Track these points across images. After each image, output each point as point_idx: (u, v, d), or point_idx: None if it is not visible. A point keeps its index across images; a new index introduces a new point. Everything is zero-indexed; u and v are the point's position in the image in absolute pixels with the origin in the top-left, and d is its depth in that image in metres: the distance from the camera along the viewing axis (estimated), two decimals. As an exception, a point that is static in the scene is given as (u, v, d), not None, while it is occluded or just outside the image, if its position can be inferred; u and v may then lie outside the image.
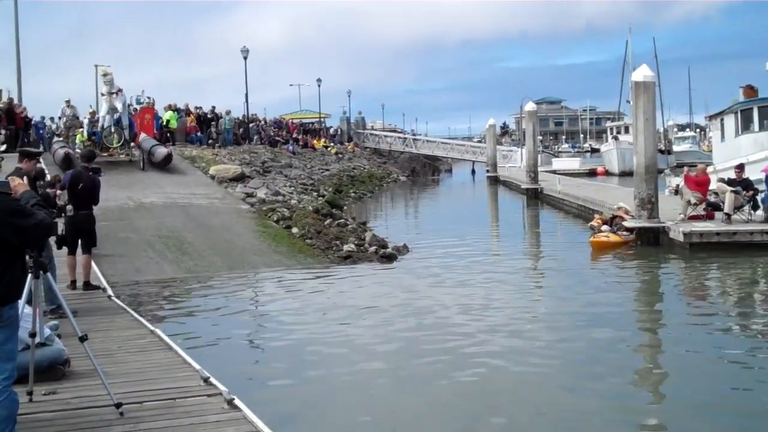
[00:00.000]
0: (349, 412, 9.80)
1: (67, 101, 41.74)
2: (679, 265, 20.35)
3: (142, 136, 36.94)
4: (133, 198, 27.79)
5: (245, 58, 53.84)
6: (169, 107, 46.90)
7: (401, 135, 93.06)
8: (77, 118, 41.44)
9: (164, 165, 34.20)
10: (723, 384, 10.56)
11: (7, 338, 6.15)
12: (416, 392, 10.49)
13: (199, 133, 47.38)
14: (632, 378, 11.08)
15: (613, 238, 23.40)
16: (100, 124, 33.97)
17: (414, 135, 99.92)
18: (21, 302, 6.59)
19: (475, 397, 10.25)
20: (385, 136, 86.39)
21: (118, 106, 33.46)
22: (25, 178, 9.87)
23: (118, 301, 13.84)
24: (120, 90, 34.00)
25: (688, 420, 9.15)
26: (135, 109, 49.20)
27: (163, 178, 32.86)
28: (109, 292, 14.53)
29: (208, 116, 50.31)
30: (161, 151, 34.99)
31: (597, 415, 9.36)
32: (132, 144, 34.85)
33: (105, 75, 33.47)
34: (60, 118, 41.85)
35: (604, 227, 24.36)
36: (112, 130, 33.67)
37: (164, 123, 45.55)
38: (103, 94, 33.74)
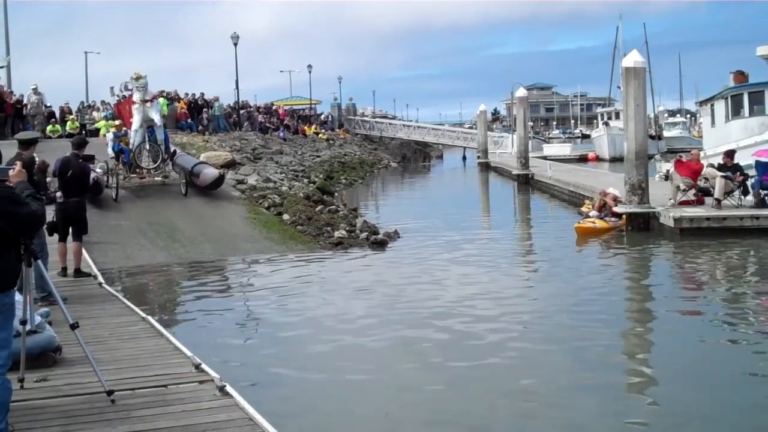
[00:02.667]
0: (341, 398, 9.81)
1: (34, 87, 41.43)
2: (670, 250, 20.41)
3: (179, 151, 30.68)
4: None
5: (235, 44, 53.61)
6: (160, 94, 46.72)
7: (393, 121, 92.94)
8: (44, 105, 41.20)
9: (213, 189, 26.91)
10: (712, 369, 10.61)
11: (1, 326, 6.16)
12: (408, 378, 10.50)
13: (189, 120, 47.22)
14: (620, 364, 11.11)
15: (600, 224, 23.43)
16: (132, 141, 26.96)
17: (404, 121, 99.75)
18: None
19: (461, 382, 10.27)
20: (376, 122, 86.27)
21: (155, 117, 27.04)
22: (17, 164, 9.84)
23: (110, 288, 13.82)
24: (155, 97, 28.70)
25: (679, 406, 9.17)
26: (123, 97, 49.15)
27: (208, 206, 25.93)
28: (100, 279, 14.51)
29: (198, 102, 50.17)
30: (209, 171, 27.24)
31: (585, 401, 9.39)
32: (169, 162, 28.00)
33: (138, 79, 26.94)
34: (24, 105, 41.42)
35: (593, 213, 24.38)
36: (147, 147, 26.94)
37: (154, 110, 45.33)
38: (135, 103, 26.85)
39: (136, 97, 26.73)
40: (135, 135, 26.87)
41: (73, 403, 7.55)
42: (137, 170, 26.94)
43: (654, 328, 13.19)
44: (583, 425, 8.67)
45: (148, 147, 26.91)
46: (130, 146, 26.86)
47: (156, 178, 27.34)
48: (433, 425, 8.87)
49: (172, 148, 29.09)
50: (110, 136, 28.23)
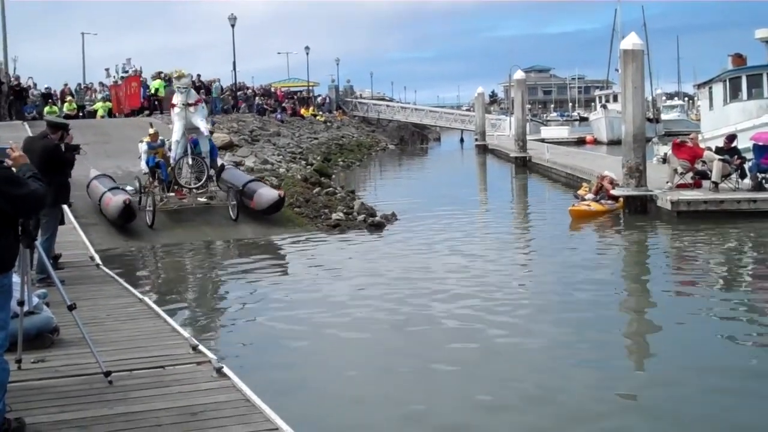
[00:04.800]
0: (338, 380, 9.84)
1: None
2: (666, 233, 20.46)
3: (228, 166, 25.59)
4: (121, 167, 27.65)
5: (233, 26, 53.59)
6: (158, 75, 46.66)
7: (390, 103, 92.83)
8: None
9: (271, 213, 21.90)
10: (706, 351, 10.66)
11: None
12: (404, 362, 10.52)
13: (187, 101, 47.09)
14: (615, 345, 11.14)
15: (595, 207, 23.44)
16: (172, 153, 22.10)
17: (401, 104, 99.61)
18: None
19: (455, 363, 10.30)
20: (374, 105, 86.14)
21: (200, 124, 21.97)
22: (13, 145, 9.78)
23: (107, 270, 13.81)
24: (200, 100, 23.67)
25: (670, 389, 9.20)
26: (121, 78, 49.11)
27: (259, 228, 21.59)
28: (97, 260, 14.50)
29: (196, 84, 50.08)
30: (265, 192, 22.24)
31: (579, 383, 9.41)
32: (214, 179, 22.81)
33: (179, 77, 22.61)
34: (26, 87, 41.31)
35: (588, 196, 24.37)
36: (189, 161, 21.95)
37: (152, 92, 45.35)
38: (174, 106, 22.38)
39: (177, 99, 22.34)
40: (176, 146, 22.03)
41: (71, 384, 7.56)
42: (176, 188, 22.13)
43: (649, 310, 13.25)
44: (577, 404, 8.69)
45: (190, 161, 22.00)
46: (170, 159, 22.11)
47: (199, 199, 22.29)
48: (432, 404, 8.89)
49: (219, 161, 24.50)
50: (143, 147, 22.71)
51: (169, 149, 22.20)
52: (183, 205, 21.92)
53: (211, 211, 22.04)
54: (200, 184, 21.98)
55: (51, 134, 12.40)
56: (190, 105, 21.95)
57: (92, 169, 23.60)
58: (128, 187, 21.78)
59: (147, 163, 22.26)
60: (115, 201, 19.86)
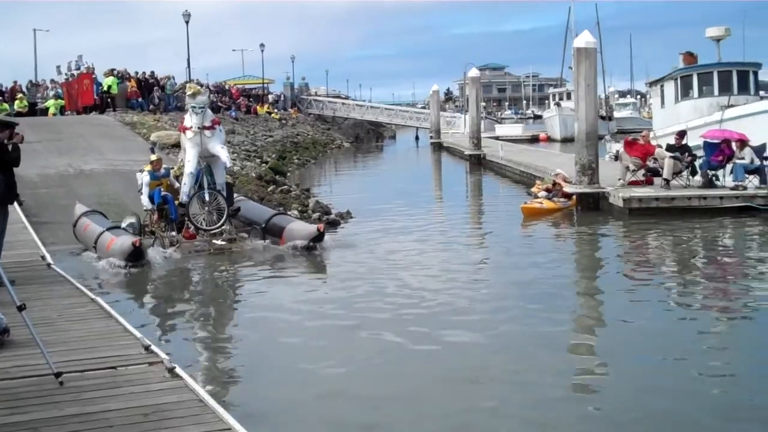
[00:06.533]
0: (289, 379, 9.82)
1: None
2: (618, 229, 20.67)
3: (240, 197, 20.96)
4: (73, 165, 27.43)
5: (187, 22, 53.13)
6: (111, 72, 46.29)
7: (346, 101, 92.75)
8: None
9: (311, 250, 17.79)
10: (658, 345, 10.78)
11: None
12: (359, 361, 10.53)
13: (140, 99, 46.80)
14: (567, 342, 11.21)
15: (548, 204, 23.61)
16: (183, 187, 18.50)
17: (357, 101, 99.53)
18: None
19: (406, 362, 10.33)
20: (329, 102, 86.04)
21: (219, 151, 18.50)
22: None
23: (58, 269, 13.66)
24: (217, 121, 19.56)
25: (624, 389, 9.30)
26: (72, 75, 48.63)
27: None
28: (49, 260, 14.34)
29: (149, 81, 49.74)
30: (301, 228, 18.52)
31: (533, 378, 9.48)
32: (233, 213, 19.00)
33: (194, 95, 18.80)
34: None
35: (541, 194, 24.54)
36: (206, 198, 18.50)
37: (105, 89, 45.00)
38: (187, 130, 18.64)
39: (191, 121, 18.64)
40: (190, 179, 18.46)
41: (21, 385, 7.48)
42: (187, 229, 18.44)
43: (602, 307, 13.37)
44: (531, 402, 8.75)
45: (207, 196, 18.53)
46: (183, 194, 18.47)
47: (216, 242, 18.42)
48: (384, 405, 8.90)
49: (236, 196, 20.34)
50: (144, 178, 18.58)
51: (176, 179, 18.97)
52: (197, 249, 18.15)
53: (232, 257, 17.78)
54: (219, 225, 18.44)
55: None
56: (206, 128, 18.51)
57: (78, 204, 19.84)
58: (123, 224, 18.28)
59: (151, 198, 18.44)
60: (120, 243, 16.42)
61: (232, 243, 18.43)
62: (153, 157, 19.16)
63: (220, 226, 18.45)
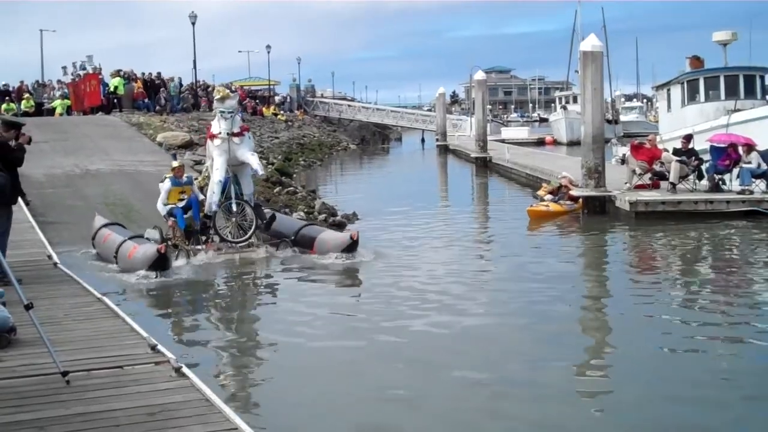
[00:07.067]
0: (295, 381, 9.82)
1: None
2: (624, 233, 20.65)
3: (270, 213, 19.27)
4: (79, 165, 27.45)
5: (193, 23, 53.20)
6: (117, 73, 46.34)
7: (352, 103, 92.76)
8: None
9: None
10: (663, 350, 10.78)
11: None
12: (363, 360, 10.53)
13: (146, 100, 46.84)
14: (573, 345, 11.18)
15: (554, 207, 23.60)
16: (211, 197, 17.68)
17: (363, 103, 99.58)
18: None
19: (410, 362, 10.32)
20: (335, 104, 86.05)
21: (249, 158, 17.70)
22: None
23: (65, 269, 13.66)
24: (247, 128, 18.84)
25: (628, 392, 9.28)
26: (78, 75, 48.72)
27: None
28: (55, 259, 14.35)
29: (156, 82, 49.79)
30: (332, 238, 17.65)
31: (538, 379, 9.47)
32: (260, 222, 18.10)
33: (223, 99, 17.92)
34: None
35: (548, 196, 24.52)
36: (233, 208, 17.76)
37: (111, 89, 45.05)
38: (215, 137, 17.85)
39: (219, 127, 17.79)
40: (217, 187, 17.55)
41: (28, 384, 7.48)
42: (211, 240, 17.76)
43: (607, 311, 13.32)
44: (538, 405, 8.75)
45: (235, 207, 17.75)
46: (211, 204, 17.65)
47: (243, 255, 17.40)
48: (387, 404, 8.90)
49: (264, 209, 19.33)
50: (165, 185, 17.81)
51: (200, 191, 18.17)
52: (222, 262, 17.17)
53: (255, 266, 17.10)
54: (247, 237, 17.58)
55: (4, 132, 12.25)
56: (235, 135, 17.68)
57: (97, 216, 19.09)
58: (146, 236, 17.26)
59: (171, 212, 17.54)
60: (144, 250, 15.70)
61: (259, 247, 17.72)
62: (175, 164, 18.32)
63: (248, 239, 17.58)
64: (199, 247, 17.41)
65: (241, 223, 17.71)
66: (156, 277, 15.13)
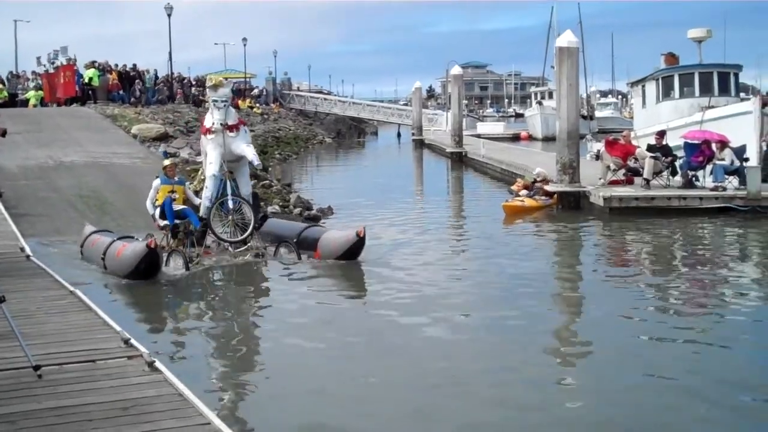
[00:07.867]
0: (269, 374, 9.82)
1: None
2: (598, 228, 20.76)
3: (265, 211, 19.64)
4: (53, 157, 27.27)
5: (169, 15, 52.87)
6: (92, 64, 46.07)
7: (328, 96, 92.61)
8: None
9: (348, 259, 16.08)
10: (635, 344, 10.85)
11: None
12: (338, 359, 10.53)
13: (121, 91, 46.59)
14: (546, 340, 11.22)
15: (529, 203, 23.70)
16: (206, 192, 16.60)
17: (339, 97, 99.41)
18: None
19: (382, 361, 10.33)
20: (311, 98, 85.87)
21: (246, 151, 16.81)
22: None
23: (38, 261, 13.60)
24: (243, 122, 18.01)
25: (602, 381, 9.34)
26: (55, 66, 48.39)
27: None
28: (28, 252, 14.27)
29: (131, 74, 49.53)
30: (336, 237, 16.70)
31: (511, 377, 9.51)
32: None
33: (215, 87, 16.90)
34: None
35: (523, 192, 24.60)
36: (230, 206, 16.53)
37: (86, 81, 44.79)
38: (209, 131, 16.88)
39: (212, 119, 16.85)
40: (212, 183, 16.56)
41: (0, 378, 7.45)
42: (207, 247, 16.65)
43: (581, 305, 13.43)
44: (508, 401, 8.78)
45: (231, 204, 16.57)
46: (203, 199, 16.60)
47: (239, 258, 16.44)
48: (362, 401, 8.91)
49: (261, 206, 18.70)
50: (155, 182, 16.39)
51: (194, 195, 16.87)
52: (219, 265, 16.17)
53: (249, 270, 16.18)
54: (243, 238, 16.48)
55: None
56: (230, 127, 16.75)
57: (87, 225, 18.06)
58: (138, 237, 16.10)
59: (164, 210, 15.98)
60: (132, 247, 14.76)
61: (260, 257, 16.54)
62: (166, 162, 16.89)
63: (245, 238, 16.49)
64: (194, 249, 16.17)
65: (238, 222, 16.59)
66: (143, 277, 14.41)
